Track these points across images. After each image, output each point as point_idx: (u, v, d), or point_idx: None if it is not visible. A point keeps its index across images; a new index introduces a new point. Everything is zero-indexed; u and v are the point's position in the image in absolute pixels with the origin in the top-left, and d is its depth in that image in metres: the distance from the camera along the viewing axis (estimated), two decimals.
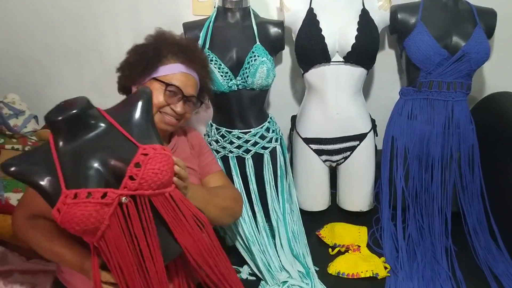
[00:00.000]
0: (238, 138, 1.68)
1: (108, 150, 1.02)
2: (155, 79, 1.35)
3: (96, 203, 0.95)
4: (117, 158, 1.01)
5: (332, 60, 1.65)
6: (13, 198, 1.56)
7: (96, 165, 1.00)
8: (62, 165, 1.00)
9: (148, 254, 1.03)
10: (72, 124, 1.02)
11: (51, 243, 1.18)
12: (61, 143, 1.03)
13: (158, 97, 1.32)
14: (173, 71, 1.35)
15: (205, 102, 1.54)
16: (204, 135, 1.78)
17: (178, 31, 1.75)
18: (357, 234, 1.75)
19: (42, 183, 1.00)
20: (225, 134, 1.69)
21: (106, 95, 1.35)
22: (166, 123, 1.36)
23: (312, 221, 1.83)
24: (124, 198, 0.98)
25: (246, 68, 1.60)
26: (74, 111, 1.01)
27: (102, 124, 1.06)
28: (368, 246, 1.71)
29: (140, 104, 1.11)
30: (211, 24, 1.66)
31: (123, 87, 1.45)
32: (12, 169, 1.00)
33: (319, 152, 1.78)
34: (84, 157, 1.01)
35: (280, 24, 1.72)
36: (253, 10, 1.71)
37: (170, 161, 1.05)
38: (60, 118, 1.01)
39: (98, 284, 1.06)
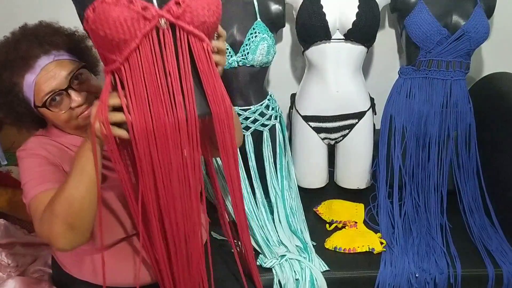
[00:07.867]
0: (238, 115, 1.69)
1: None
2: (37, 107, 1.17)
3: (135, 11, 0.88)
4: None
5: (332, 37, 1.65)
6: (15, 171, 1.57)
7: None
8: None
9: (180, 98, 0.95)
10: None
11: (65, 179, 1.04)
12: None
13: (57, 117, 1.17)
14: (33, 78, 1.13)
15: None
16: None
17: None
18: (354, 211, 1.77)
19: None
20: None
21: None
22: (87, 117, 1.16)
23: (310, 198, 1.85)
24: (163, 21, 0.91)
25: (246, 45, 1.60)
26: None
27: None
28: (364, 222, 1.73)
29: None
30: None
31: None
32: None
33: (318, 130, 1.80)
34: None
35: (281, 1, 1.71)
36: None
37: (220, 8, 0.98)
38: None
39: (105, 102, 0.96)
